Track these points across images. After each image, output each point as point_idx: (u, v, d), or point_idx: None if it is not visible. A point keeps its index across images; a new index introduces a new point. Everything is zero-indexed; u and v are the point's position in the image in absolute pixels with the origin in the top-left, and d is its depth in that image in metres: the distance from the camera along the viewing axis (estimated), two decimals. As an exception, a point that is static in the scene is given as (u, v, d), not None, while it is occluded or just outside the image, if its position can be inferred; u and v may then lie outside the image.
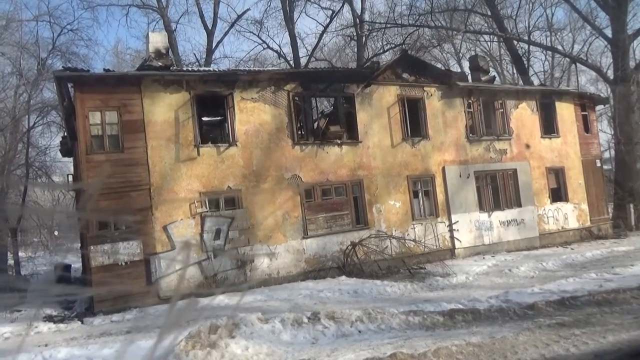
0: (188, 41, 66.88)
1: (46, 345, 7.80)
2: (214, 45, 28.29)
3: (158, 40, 13.73)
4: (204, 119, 14.27)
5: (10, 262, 16.47)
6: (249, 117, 13.32)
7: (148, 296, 11.31)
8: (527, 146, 17.92)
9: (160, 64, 12.91)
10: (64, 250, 23.48)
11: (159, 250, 11.73)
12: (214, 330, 6.57)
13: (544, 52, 32.00)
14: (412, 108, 15.80)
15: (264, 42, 30.25)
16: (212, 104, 13.55)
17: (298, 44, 28.70)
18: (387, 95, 15.39)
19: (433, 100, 16.19)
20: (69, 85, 11.99)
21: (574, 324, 6.84)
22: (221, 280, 12.28)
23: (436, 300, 9.08)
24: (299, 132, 14.53)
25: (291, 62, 28.27)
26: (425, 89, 16.09)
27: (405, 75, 15.88)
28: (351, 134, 14.80)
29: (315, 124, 16.24)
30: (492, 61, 31.29)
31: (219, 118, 14.37)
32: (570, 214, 18.63)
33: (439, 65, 26.23)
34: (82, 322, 10.08)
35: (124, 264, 11.32)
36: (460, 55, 33.54)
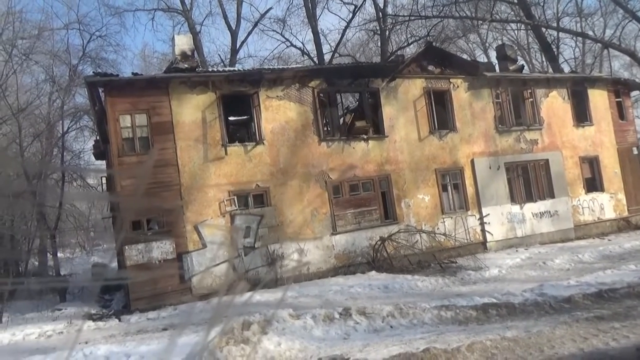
0: (212, 42, 67.76)
1: (86, 343, 8.06)
2: (238, 45, 28.56)
3: (183, 42, 13.94)
4: (231, 118, 14.44)
5: (50, 262, 17.09)
6: (274, 115, 13.41)
7: (182, 294, 11.57)
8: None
9: (186, 65, 13.11)
10: (100, 251, 24.23)
11: (191, 248, 11.96)
12: (247, 327, 6.67)
13: (574, 38, 31.01)
14: (438, 100, 15.58)
15: (287, 40, 30.26)
16: (238, 103, 13.69)
17: (321, 41, 28.64)
18: (413, 88, 15.23)
19: (460, 92, 15.93)
20: (100, 90, 12.31)
21: (613, 317, 6.64)
22: (252, 277, 12.42)
23: (469, 295, 8.95)
24: (325, 129, 14.53)
25: (315, 59, 28.25)
26: (451, 80, 15.85)
27: (430, 68, 15.67)
28: (377, 129, 14.71)
29: (341, 120, 16.23)
30: (519, 50, 30.54)
31: (245, 117, 14.52)
32: (606, 204, 18.06)
33: (465, 56, 25.81)
34: (120, 320, 10.39)
35: (157, 262, 11.60)
36: (487, 45, 32.85)
